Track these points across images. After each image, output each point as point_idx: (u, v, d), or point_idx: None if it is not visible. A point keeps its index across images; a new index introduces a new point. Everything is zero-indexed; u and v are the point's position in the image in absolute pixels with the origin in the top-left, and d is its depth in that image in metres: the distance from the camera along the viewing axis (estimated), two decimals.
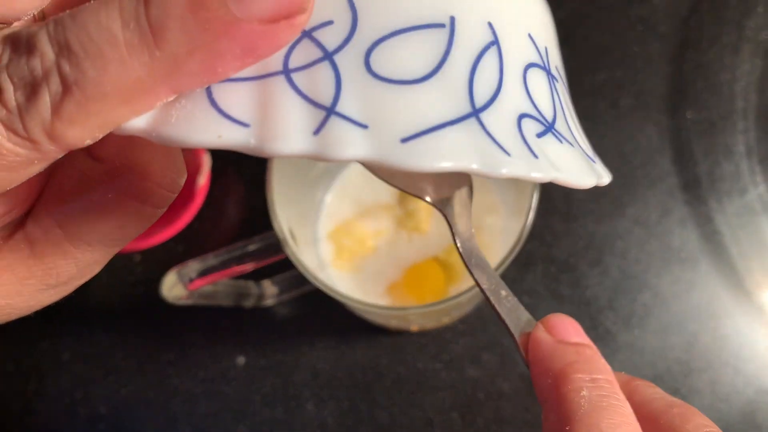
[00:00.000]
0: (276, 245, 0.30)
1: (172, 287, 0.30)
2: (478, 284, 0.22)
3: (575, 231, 0.43)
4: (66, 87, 0.14)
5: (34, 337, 0.44)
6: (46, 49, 0.14)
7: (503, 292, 0.22)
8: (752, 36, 0.46)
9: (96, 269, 0.20)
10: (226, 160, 0.46)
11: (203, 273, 0.30)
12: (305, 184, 0.39)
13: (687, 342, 0.41)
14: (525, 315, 0.22)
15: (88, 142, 0.15)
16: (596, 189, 0.44)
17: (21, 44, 0.14)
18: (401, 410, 0.41)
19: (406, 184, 0.23)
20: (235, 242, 0.45)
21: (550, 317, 0.21)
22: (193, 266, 0.30)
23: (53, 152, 0.15)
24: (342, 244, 0.41)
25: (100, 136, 0.15)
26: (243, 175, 0.46)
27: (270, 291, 0.40)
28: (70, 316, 0.45)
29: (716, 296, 0.42)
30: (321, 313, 0.43)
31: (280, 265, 0.34)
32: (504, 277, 0.39)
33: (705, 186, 0.44)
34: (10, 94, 0.14)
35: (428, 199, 0.23)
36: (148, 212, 0.19)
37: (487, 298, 0.22)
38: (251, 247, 0.30)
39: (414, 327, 0.41)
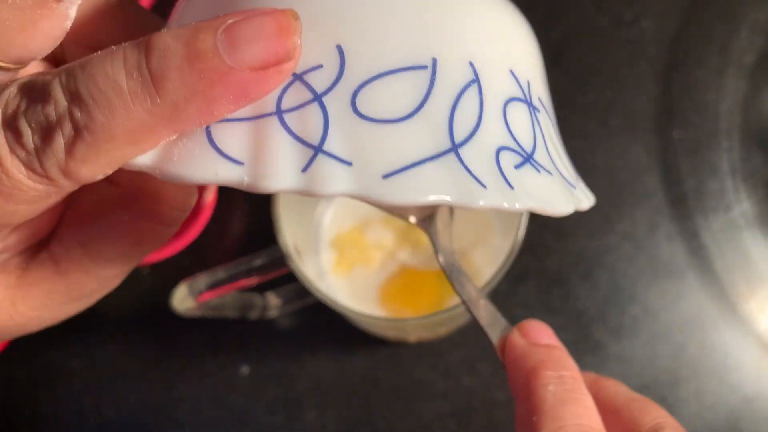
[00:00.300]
0: (281, 259, 0.31)
1: (183, 300, 0.32)
2: (459, 296, 0.23)
3: (566, 246, 0.45)
4: (77, 131, 0.15)
5: (44, 346, 0.46)
6: (59, 97, 0.15)
7: (482, 302, 0.24)
8: (736, 59, 0.48)
9: (115, 283, 0.22)
10: None
11: (212, 286, 0.32)
12: (309, 200, 0.41)
13: (674, 352, 0.43)
14: (503, 322, 0.24)
15: (99, 177, 0.16)
16: None
17: (37, 92, 0.15)
18: (399, 418, 0.43)
19: (391, 208, 0.25)
20: (240, 255, 0.47)
21: (524, 323, 0.23)
22: (203, 280, 0.32)
23: (68, 187, 0.16)
24: (344, 251, 0.43)
25: (110, 172, 0.16)
26: (248, 192, 0.48)
27: (274, 303, 0.42)
28: (80, 326, 0.46)
29: (702, 308, 0.44)
30: (322, 324, 0.44)
31: (284, 277, 0.36)
32: (497, 290, 0.40)
33: (691, 202, 0.46)
34: (29, 138, 0.15)
35: (412, 219, 0.25)
36: (162, 231, 0.20)
37: (467, 308, 0.23)
38: (257, 262, 0.31)
39: (412, 338, 0.42)
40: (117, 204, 0.20)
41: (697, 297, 0.44)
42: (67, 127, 0.15)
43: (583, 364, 0.42)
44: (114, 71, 0.15)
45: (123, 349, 0.45)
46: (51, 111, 0.15)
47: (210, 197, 0.45)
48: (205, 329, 0.44)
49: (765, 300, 0.44)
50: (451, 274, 0.24)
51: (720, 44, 0.48)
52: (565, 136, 0.46)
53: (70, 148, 0.15)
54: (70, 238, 0.20)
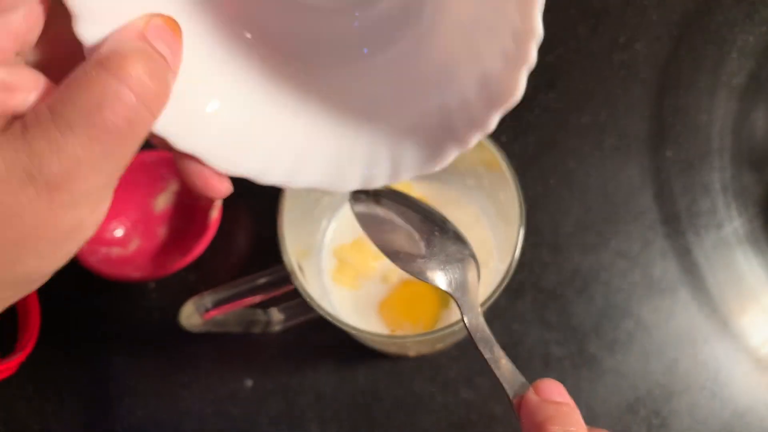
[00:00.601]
0: (285, 278, 0.33)
1: (190, 316, 0.33)
2: (482, 356, 0.26)
3: (562, 262, 0.46)
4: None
5: (53, 361, 0.47)
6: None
7: (503, 361, 0.26)
8: (727, 81, 0.49)
9: (82, 185, 0.20)
10: (236, 193, 0.49)
11: (218, 304, 0.33)
12: (312, 217, 0.42)
13: (667, 367, 0.44)
14: (520, 379, 0.25)
15: None
16: (582, 223, 0.47)
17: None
18: (399, 430, 0.44)
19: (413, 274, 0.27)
20: (244, 271, 0.47)
21: (539, 382, 0.25)
22: (209, 297, 0.33)
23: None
24: (345, 265, 0.44)
25: None
26: (251, 208, 0.49)
27: (277, 318, 0.43)
28: (88, 342, 0.47)
29: (695, 324, 0.45)
30: (324, 338, 0.45)
31: (287, 293, 0.37)
32: (495, 305, 0.41)
33: (684, 221, 0.47)
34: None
35: (442, 286, 0.27)
36: (125, 94, 0.20)
37: (489, 367, 0.25)
38: (262, 280, 0.33)
39: (412, 353, 0.44)
40: (92, 68, 0.20)
41: (690, 312, 0.45)
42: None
43: (578, 378, 0.43)
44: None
45: (129, 364, 0.46)
46: None
47: (215, 214, 0.46)
48: (210, 344, 0.46)
49: (756, 315, 0.45)
50: (475, 335, 0.26)
51: (711, 67, 0.50)
52: (560, 157, 0.48)
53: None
54: (43, 105, 0.20)
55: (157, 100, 0.21)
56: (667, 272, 0.46)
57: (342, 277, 0.44)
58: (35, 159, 0.19)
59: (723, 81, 0.50)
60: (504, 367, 0.25)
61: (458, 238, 0.29)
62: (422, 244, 0.27)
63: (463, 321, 0.26)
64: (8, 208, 0.19)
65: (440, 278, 0.27)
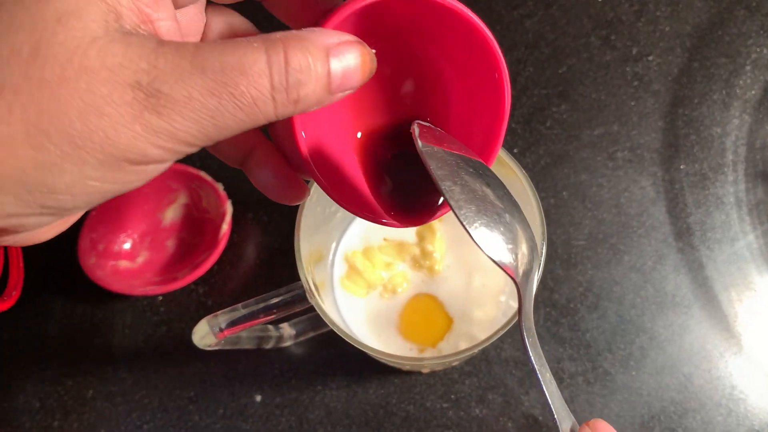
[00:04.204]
0: (302, 296, 0.32)
1: (204, 336, 0.33)
2: (531, 362, 0.24)
3: (575, 277, 0.46)
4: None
5: (59, 375, 0.46)
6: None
7: (548, 375, 0.24)
8: (740, 93, 0.49)
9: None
10: (245, 206, 0.48)
11: (232, 324, 0.32)
12: (327, 227, 0.41)
13: (681, 383, 0.44)
14: (567, 411, 0.25)
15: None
16: (595, 237, 0.46)
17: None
18: None
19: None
20: (253, 282, 0.47)
21: (595, 422, 0.25)
22: (223, 317, 0.32)
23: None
24: (355, 266, 0.43)
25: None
26: (260, 222, 0.49)
27: (288, 333, 0.42)
28: (94, 355, 0.47)
29: (708, 339, 0.44)
30: (334, 353, 0.45)
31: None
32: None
33: (697, 235, 0.47)
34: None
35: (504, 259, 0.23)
36: (269, 78, 0.20)
37: (537, 378, 0.24)
38: (277, 299, 0.32)
39: (425, 370, 0.43)
40: (254, 36, 0.21)
41: (704, 328, 0.45)
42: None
43: (591, 394, 0.43)
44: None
45: (137, 378, 0.46)
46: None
47: (225, 228, 0.46)
48: (219, 358, 0.45)
49: None
50: (527, 339, 0.24)
51: (724, 79, 0.49)
52: (573, 169, 0.48)
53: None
54: (188, 42, 0.20)
55: (288, 106, 0.20)
56: (680, 287, 0.45)
57: (350, 283, 0.43)
58: (153, 70, 0.18)
59: (736, 94, 0.49)
60: (554, 394, 0.24)
61: (528, 227, 0.25)
62: (497, 206, 0.23)
63: (520, 321, 0.24)
64: (100, 97, 0.18)
65: (504, 250, 0.23)
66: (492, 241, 0.22)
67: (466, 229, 0.22)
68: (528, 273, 0.24)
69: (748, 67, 0.50)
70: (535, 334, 0.24)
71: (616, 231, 0.47)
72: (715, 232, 0.47)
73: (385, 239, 0.44)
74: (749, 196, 0.47)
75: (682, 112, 0.49)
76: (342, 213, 0.42)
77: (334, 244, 0.43)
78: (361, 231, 0.44)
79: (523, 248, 0.24)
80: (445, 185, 0.22)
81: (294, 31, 0.20)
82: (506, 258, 0.23)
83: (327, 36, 0.20)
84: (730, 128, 0.48)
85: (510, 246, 0.23)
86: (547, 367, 0.24)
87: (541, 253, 0.32)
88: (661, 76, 0.50)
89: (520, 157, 0.48)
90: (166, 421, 0.45)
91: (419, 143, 0.23)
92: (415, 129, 0.24)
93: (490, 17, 0.51)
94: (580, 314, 0.45)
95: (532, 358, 0.24)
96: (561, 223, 0.47)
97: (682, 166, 0.48)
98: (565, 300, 0.45)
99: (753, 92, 0.49)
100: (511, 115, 0.49)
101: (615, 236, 0.46)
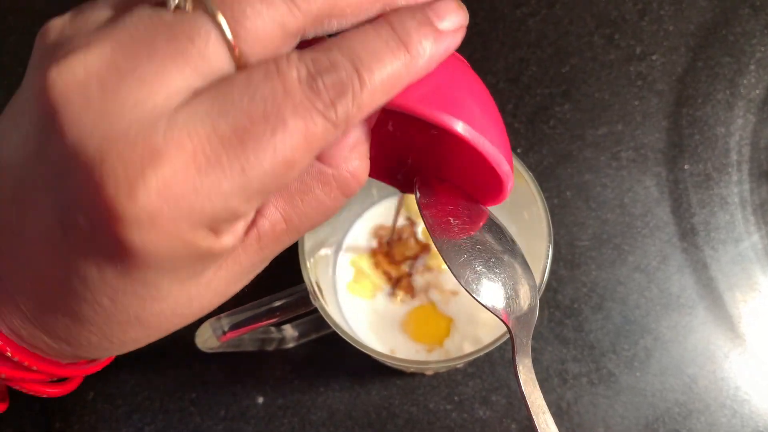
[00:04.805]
0: (305, 299, 0.32)
1: (207, 339, 0.32)
2: (524, 400, 0.23)
3: (579, 278, 0.46)
4: (360, 88, 0.19)
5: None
6: (347, 65, 0.19)
7: (546, 415, 0.23)
8: (745, 93, 0.49)
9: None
10: None
11: (235, 327, 0.32)
12: (331, 227, 0.41)
13: (686, 384, 0.43)
14: None
15: (360, 119, 0.20)
16: (599, 237, 0.46)
17: (323, 61, 0.19)
18: None
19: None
20: (256, 283, 0.47)
21: None
22: (226, 320, 0.32)
23: (342, 131, 0.20)
24: (360, 267, 0.43)
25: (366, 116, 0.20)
26: None
27: (290, 334, 0.42)
28: None
29: (713, 340, 0.44)
30: (337, 354, 0.45)
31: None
32: None
33: (701, 235, 0.46)
34: (326, 94, 0.19)
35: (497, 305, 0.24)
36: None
37: (529, 414, 0.23)
38: (281, 302, 0.32)
39: (429, 372, 0.43)
40: (318, 182, 0.21)
41: (708, 329, 0.44)
42: (355, 86, 0.19)
43: (595, 396, 0.43)
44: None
45: (138, 380, 0.46)
46: (342, 75, 0.19)
47: None
48: (221, 360, 0.45)
49: None
50: (520, 377, 0.24)
51: (729, 79, 0.49)
52: (576, 169, 0.47)
53: (355, 100, 0.19)
54: (277, 214, 0.21)
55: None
56: (684, 288, 0.45)
57: (355, 285, 0.43)
58: (266, 262, 0.23)
59: (741, 93, 0.49)
60: (545, 424, 0.23)
61: (526, 266, 0.26)
62: (488, 256, 0.24)
63: (515, 368, 0.23)
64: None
65: (498, 297, 0.24)
66: (485, 287, 0.24)
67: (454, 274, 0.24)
68: (525, 318, 0.24)
69: (752, 67, 0.49)
70: (536, 383, 0.24)
71: (620, 231, 0.46)
72: (719, 233, 0.46)
73: (390, 239, 0.43)
74: (753, 196, 0.47)
75: (686, 112, 0.49)
76: (346, 213, 0.42)
77: (338, 245, 0.43)
78: (365, 231, 0.44)
79: (520, 290, 0.24)
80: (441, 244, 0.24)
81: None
82: (499, 303, 0.24)
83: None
84: (734, 128, 0.48)
85: (504, 290, 0.24)
86: (546, 408, 0.23)
87: (548, 255, 0.32)
88: (665, 75, 0.50)
89: (523, 157, 0.48)
90: (168, 423, 0.45)
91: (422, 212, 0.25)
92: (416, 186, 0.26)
93: (494, 16, 0.51)
94: (584, 315, 0.45)
95: (525, 393, 0.23)
96: (564, 224, 0.47)
97: (686, 166, 0.48)
98: (569, 301, 0.45)
99: (757, 92, 0.49)
100: (514, 115, 0.48)
101: (619, 236, 0.46)
